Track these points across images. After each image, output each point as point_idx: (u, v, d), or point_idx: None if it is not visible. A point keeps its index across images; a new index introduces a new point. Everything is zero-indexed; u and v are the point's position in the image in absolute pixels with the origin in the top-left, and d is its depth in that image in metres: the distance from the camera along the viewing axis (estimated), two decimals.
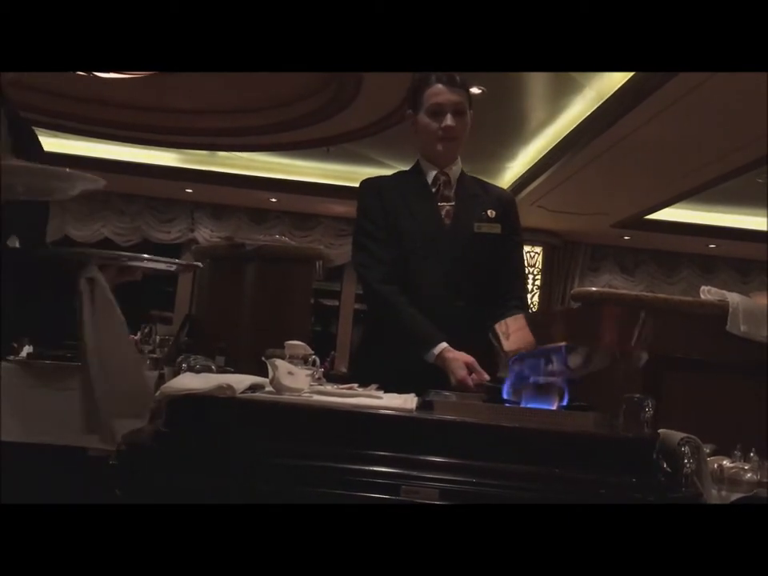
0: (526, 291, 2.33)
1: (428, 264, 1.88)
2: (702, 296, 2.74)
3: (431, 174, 1.98)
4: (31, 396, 3.07)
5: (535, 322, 1.30)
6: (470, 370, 1.69)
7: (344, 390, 1.32)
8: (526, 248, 8.07)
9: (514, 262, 2.04)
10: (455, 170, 2.00)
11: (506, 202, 2.04)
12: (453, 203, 1.95)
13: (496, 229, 1.93)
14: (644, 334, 1.22)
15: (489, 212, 1.94)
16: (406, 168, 2.10)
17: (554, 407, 1.23)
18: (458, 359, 1.72)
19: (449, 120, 1.89)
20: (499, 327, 1.30)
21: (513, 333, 1.27)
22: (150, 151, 6.96)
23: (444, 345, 1.75)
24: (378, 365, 1.82)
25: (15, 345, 3.37)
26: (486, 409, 1.23)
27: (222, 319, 3.87)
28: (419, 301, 1.85)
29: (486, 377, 1.66)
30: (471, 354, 1.72)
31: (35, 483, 2.80)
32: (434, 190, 1.96)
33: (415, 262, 1.88)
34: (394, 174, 2.10)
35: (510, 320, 1.31)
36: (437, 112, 1.90)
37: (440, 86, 1.90)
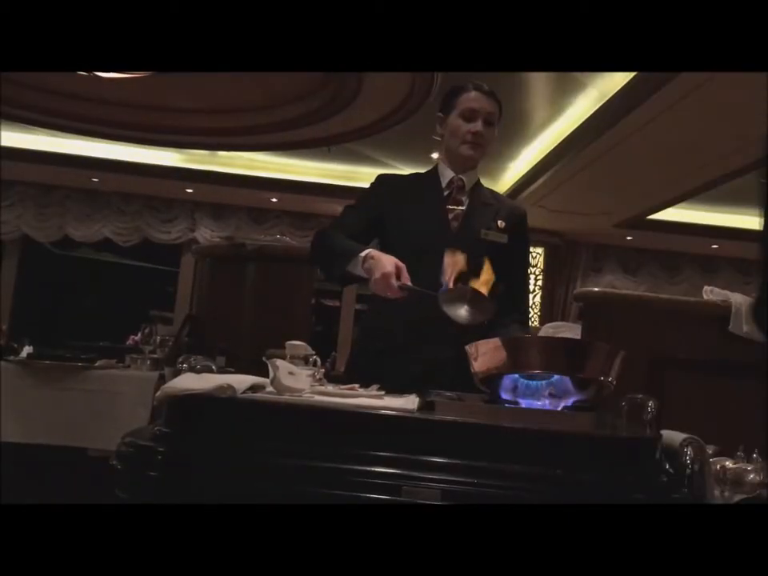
0: (528, 303, 2.33)
1: (430, 264, 1.87)
2: (705, 296, 2.74)
3: (447, 177, 2.00)
4: (31, 396, 3.07)
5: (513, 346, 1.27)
6: (398, 273, 1.66)
7: (345, 391, 1.32)
8: None
9: (518, 274, 2.04)
10: (471, 176, 2.02)
11: (518, 215, 2.06)
12: (463, 208, 1.97)
13: (503, 239, 1.94)
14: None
15: (499, 222, 1.96)
16: (407, 166, 2.12)
17: (559, 407, 1.23)
18: (389, 257, 1.69)
19: (479, 126, 1.94)
20: (469, 349, 1.29)
21: (482, 354, 1.26)
22: (150, 151, 6.95)
23: (371, 249, 1.73)
24: (374, 366, 1.82)
25: (15, 345, 3.38)
26: (487, 409, 1.23)
27: (223, 319, 3.87)
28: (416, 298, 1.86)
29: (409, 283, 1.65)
30: (463, 350, 1.71)
31: (35, 483, 2.80)
32: (446, 192, 1.99)
33: (418, 261, 1.88)
34: (411, 174, 2.12)
35: (481, 342, 1.28)
36: (469, 117, 1.94)
37: (477, 92, 1.95)
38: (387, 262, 1.67)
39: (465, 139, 1.95)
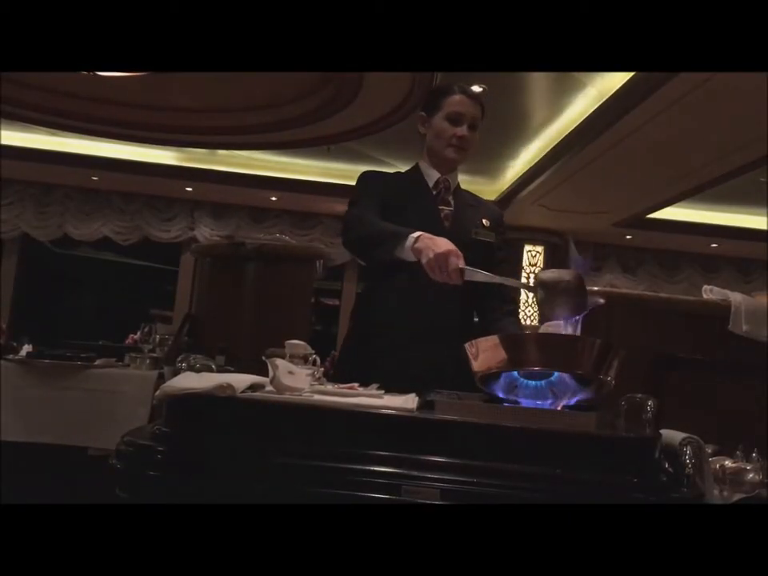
0: (517, 297, 2.37)
1: None
2: (705, 295, 2.74)
3: (433, 178, 2.02)
4: (31, 395, 3.07)
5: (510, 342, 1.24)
6: (457, 255, 1.57)
7: (345, 390, 1.32)
8: (528, 247, 8.09)
9: (504, 270, 2.06)
10: (454, 178, 2.06)
11: (497, 215, 2.11)
12: (452, 208, 2.00)
13: (491, 237, 2.00)
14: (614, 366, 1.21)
15: (484, 221, 2.02)
16: (406, 166, 2.12)
17: (559, 407, 1.23)
18: (445, 239, 1.60)
19: (465, 130, 1.96)
20: (469, 347, 1.27)
21: (482, 352, 1.26)
22: (150, 150, 6.95)
23: (421, 232, 1.65)
24: (363, 364, 1.82)
25: (15, 344, 3.37)
26: (487, 409, 1.23)
27: (223, 318, 3.87)
28: (412, 295, 1.87)
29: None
30: (459, 347, 1.69)
31: (35, 483, 2.80)
32: (435, 192, 2.01)
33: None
34: (394, 173, 2.12)
35: (480, 340, 1.26)
36: (455, 120, 1.96)
37: (463, 96, 1.97)
38: (445, 242, 1.59)
39: (450, 142, 1.97)
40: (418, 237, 1.64)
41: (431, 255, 1.57)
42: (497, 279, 1.54)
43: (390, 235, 1.72)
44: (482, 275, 1.53)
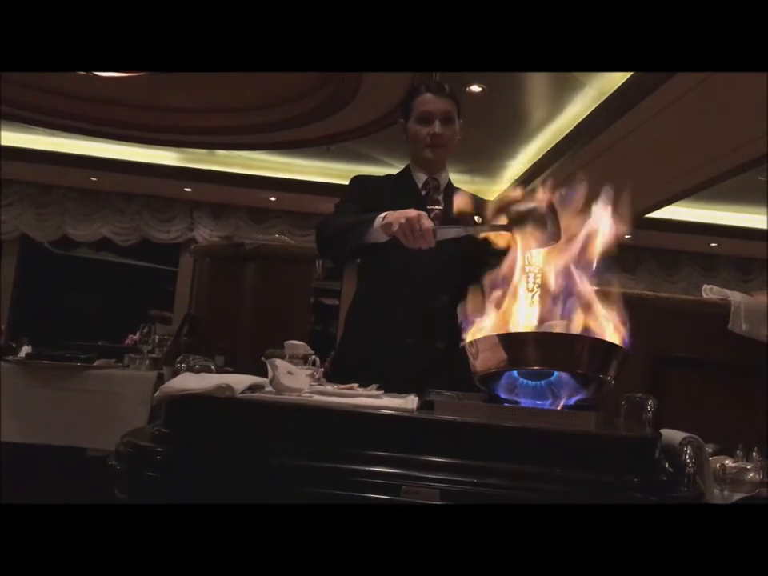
0: None
1: (415, 261, 1.88)
2: (704, 295, 2.74)
3: (421, 179, 2.04)
4: (30, 396, 3.07)
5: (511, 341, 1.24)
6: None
7: (344, 390, 1.31)
8: None
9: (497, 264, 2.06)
10: (444, 176, 2.07)
11: None
12: (441, 207, 2.01)
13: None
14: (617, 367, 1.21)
15: (475, 218, 1.99)
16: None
17: (558, 406, 1.22)
18: (407, 208, 1.63)
19: (437, 127, 1.96)
20: (469, 347, 1.26)
21: (482, 352, 1.25)
22: (149, 150, 6.95)
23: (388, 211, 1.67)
24: (358, 364, 1.82)
25: (14, 345, 3.37)
26: (487, 409, 1.23)
27: (222, 319, 3.86)
28: (406, 294, 1.88)
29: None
30: (453, 347, 1.69)
31: (34, 483, 2.80)
32: (423, 192, 2.03)
33: (403, 258, 1.88)
34: (384, 175, 2.14)
35: (480, 339, 1.25)
36: (425, 119, 1.97)
37: (429, 94, 1.97)
38: (413, 209, 1.62)
39: (425, 143, 1.98)
40: (386, 215, 1.66)
41: (403, 221, 1.59)
42: (465, 231, 1.56)
43: (359, 223, 1.74)
44: (451, 231, 1.57)
